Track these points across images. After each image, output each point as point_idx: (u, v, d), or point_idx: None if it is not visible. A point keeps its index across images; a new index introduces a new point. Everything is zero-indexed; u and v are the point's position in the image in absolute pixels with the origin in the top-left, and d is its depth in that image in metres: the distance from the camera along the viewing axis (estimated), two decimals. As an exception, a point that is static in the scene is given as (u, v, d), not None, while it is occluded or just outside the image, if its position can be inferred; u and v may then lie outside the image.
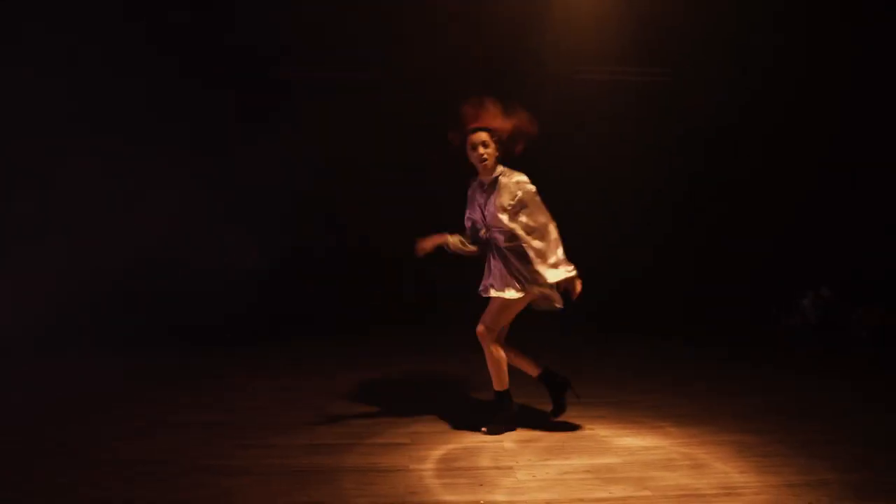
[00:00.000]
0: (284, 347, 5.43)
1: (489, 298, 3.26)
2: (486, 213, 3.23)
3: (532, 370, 3.36)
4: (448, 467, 2.81)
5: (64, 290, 5.60)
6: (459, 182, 3.46)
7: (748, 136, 6.70)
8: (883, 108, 6.62)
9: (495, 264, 3.23)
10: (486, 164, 3.21)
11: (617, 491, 2.57)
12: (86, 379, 4.37)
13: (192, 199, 6.25)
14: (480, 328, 3.22)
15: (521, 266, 3.15)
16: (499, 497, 2.51)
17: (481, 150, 3.19)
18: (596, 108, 6.49)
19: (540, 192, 3.23)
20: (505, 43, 6.05)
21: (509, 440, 3.17)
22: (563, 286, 3.16)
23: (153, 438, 3.20)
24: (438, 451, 2.99)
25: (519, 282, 3.16)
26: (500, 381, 3.28)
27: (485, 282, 3.30)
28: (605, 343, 5.72)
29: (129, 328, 5.67)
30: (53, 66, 5.83)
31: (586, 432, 3.28)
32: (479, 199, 3.28)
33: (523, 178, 3.22)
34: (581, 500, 2.50)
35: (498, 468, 2.80)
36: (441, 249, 3.29)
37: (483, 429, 3.24)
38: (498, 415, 3.29)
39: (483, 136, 3.20)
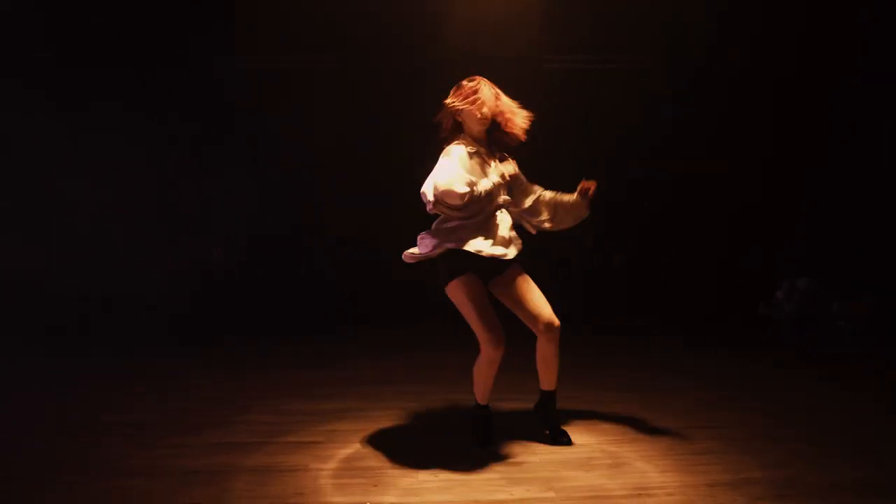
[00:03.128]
0: (236, 346, 5.27)
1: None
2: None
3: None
4: (349, 467, 2.65)
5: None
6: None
7: (734, 121, 6.47)
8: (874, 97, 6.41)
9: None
10: None
11: (518, 492, 2.41)
12: (19, 378, 4.26)
13: (152, 190, 6.24)
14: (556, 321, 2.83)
15: None
16: (389, 498, 2.35)
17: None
18: (564, 96, 6.29)
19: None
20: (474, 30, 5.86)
21: (430, 441, 3.00)
22: None
23: (70, 438, 3.05)
24: (347, 450, 2.83)
25: None
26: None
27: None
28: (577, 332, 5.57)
29: (73, 327, 5.61)
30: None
31: (514, 430, 3.11)
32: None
33: None
34: (476, 501, 2.33)
35: (402, 468, 2.64)
36: None
37: (564, 439, 2.94)
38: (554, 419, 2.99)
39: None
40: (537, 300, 2.84)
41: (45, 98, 5.89)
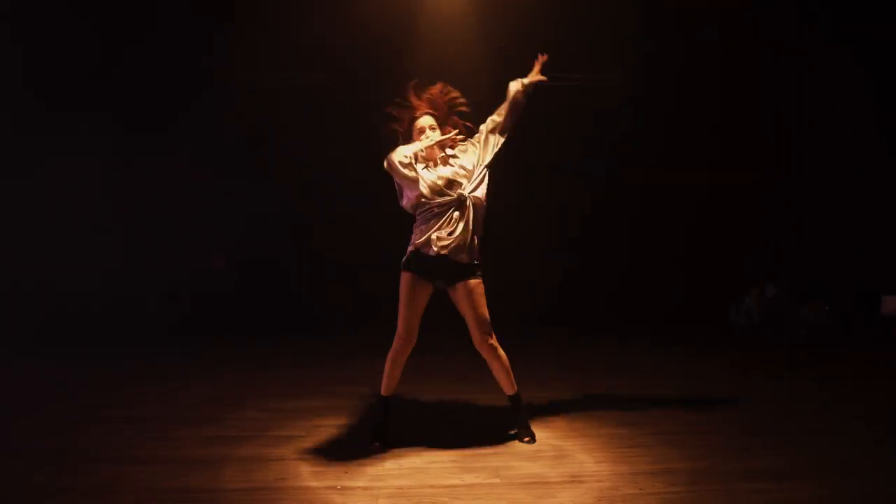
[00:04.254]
0: (235, 346, 5.67)
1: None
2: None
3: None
4: (325, 458, 3.04)
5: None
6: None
7: (707, 129, 6.82)
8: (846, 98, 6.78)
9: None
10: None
11: (469, 479, 2.80)
12: (26, 379, 4.63)
13: (152, 190, 6.53)
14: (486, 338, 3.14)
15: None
16: (357, 483, 2.75)
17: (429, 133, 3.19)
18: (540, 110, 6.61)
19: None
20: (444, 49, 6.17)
21: (399, 435, 3.33)
22: None
23: (73, 435, 3.39)
24: (325, 443, 3.23)
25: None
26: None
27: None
28: (545, 337, 5.95)
29: (73, 328, 5.94)
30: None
31: (475, 425, 3.52)
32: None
33: None
34: (432, 486, 2.73)
35: (372, 458, 3.03)
36: None
37: (526, 439, 3.23)
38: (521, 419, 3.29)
39: (430, 120, 3.23)
40: (474, 319, 3.15)
41: (45, 98, 6.15)
